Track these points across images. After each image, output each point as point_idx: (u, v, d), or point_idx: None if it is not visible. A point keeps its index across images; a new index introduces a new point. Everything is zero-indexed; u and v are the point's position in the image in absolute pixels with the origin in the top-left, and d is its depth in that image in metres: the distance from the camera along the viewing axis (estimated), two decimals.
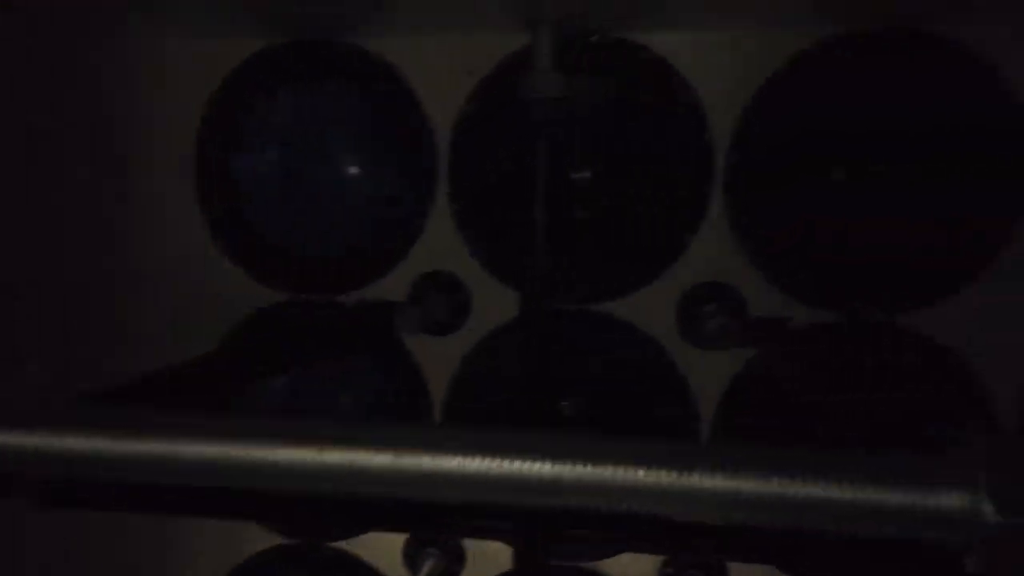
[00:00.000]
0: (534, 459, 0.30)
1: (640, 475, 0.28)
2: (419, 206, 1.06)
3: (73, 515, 0.97)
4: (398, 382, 1.10)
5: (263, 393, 1.06)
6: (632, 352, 1.04)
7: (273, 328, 1.10)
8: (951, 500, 0.25)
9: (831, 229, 0.97)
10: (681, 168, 1.00)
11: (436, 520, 0.84)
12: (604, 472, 0.29)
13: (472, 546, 1.09)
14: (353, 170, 1.08)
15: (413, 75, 1.05)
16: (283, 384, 1.08)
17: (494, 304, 1.06)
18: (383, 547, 1.11)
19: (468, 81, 1.04)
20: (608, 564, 1.08)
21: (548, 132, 0.77)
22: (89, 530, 1.04)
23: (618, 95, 1.00)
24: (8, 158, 0.90)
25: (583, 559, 1.07)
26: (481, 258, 1.06)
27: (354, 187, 1.08)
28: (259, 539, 1.14)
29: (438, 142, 1.05)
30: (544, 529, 0.74)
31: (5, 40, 0.87)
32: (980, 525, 0.26)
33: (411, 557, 1.09)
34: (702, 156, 0.99)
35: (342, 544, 1.12)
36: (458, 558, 1.09)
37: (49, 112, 0.95)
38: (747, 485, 0.28)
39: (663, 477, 0.28)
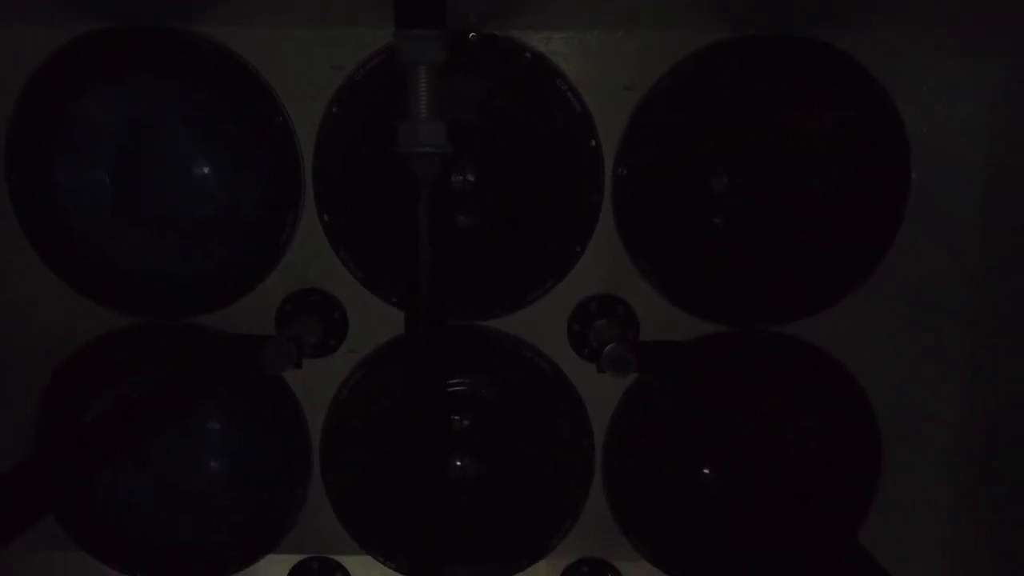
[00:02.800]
0: None
1: None
2: (281, 215, 0.95)
3: None
4: (271, 416, 1.00)
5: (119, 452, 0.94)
6: (523, 368, 0.99)
7: (120, 361, 0.97)
8: None
9: (717, 238, 0.96)
10: (569, 176, 0.95)
11: None
12: None
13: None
14: (199, 175, 0.94)
15: (269, 69, 0.93)
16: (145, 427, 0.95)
17: (371, 321, 0.98)
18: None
19: (334, 77, 0.93)
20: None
21: (430, 185, 0.70)
22: None
23: (501, 98, 0.93)
24: None
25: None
26: (356, 273, 0.97)
27: (201, 196, 0.94)
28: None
29: (300, 143, 0.94)
30: None
31: None
32: None
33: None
34: (591, 164, 0.94)
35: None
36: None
37: None
38: None
39: None
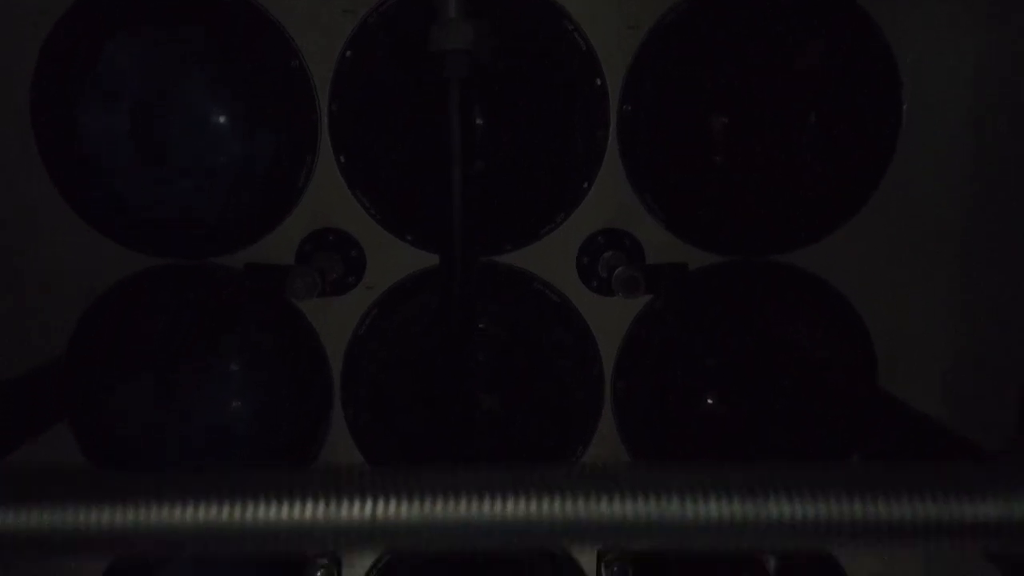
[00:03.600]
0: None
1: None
2: (299, 157, 0.98)
3: None
4: (294, 351, 1.04)
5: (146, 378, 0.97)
6: (533, 302, 1.03)
7: (146, 302, 1.00)
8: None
9: (717, 172, 1.00)
10: (575, 114, 0.98)
11: None
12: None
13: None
14: (217, 120, 0.97)
15: (285, 16, 0.96)
16: (171, 363, 0.99)
17: (389, 260, 1.02)
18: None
19: (346, 21, 0.96)
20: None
21: (462, 84, 0.73)
22: None
23: (507, 39, 0.96)
24: None
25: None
26: (373, 213, 1.01)
27: (220, 141, 0.97)
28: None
29: (315, 87, 0.97)
30: None
31: None
32: None
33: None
34: (596, 101, 0.97)
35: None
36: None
37: None
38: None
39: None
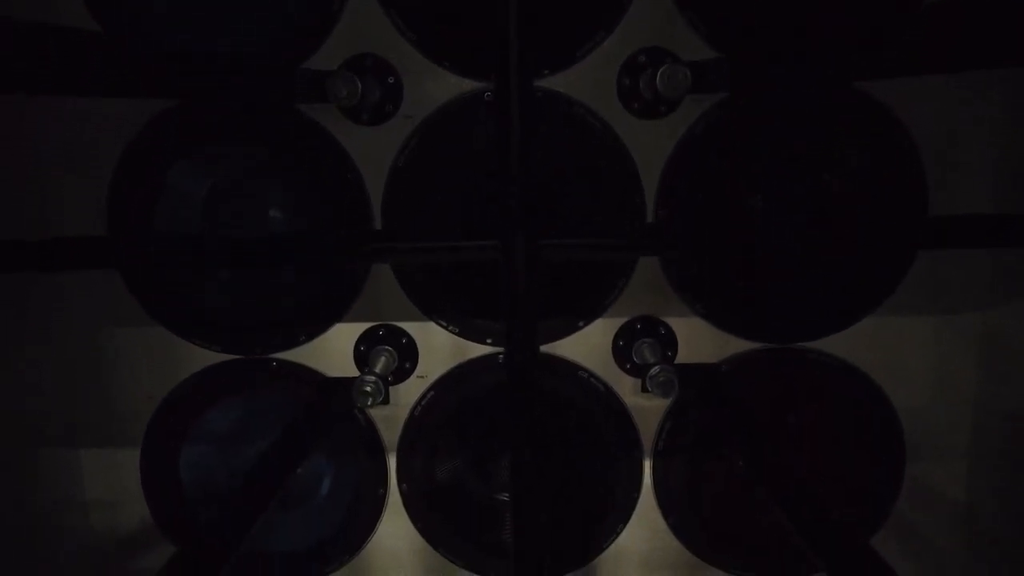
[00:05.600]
0: None
1: None
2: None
3: None
4: (334, 177, 1.03)
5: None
6: (574, 126, 1.01)
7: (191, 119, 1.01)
8: None
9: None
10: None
11: None
12: None
13: (422, 343, 1.11)
14: None
15: None
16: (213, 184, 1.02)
17: (426, 87, 1.01)
18: (331, 352, 1.10)
19: None
20: (561, 346, 1.09)
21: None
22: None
23: None
24: None
25: None
26: (411, 38, 0.98)
27: None
28: (200, 357, 1.09)
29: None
30: None
31: None
32: None
33: (362, 356, 1.10)
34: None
35: (287, 355, 1.09)
36: (410, 354, 1.11)
37: None
38: None
39: None
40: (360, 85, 0.93)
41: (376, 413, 1.11)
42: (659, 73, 0.89)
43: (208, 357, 1.08)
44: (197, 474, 1.09)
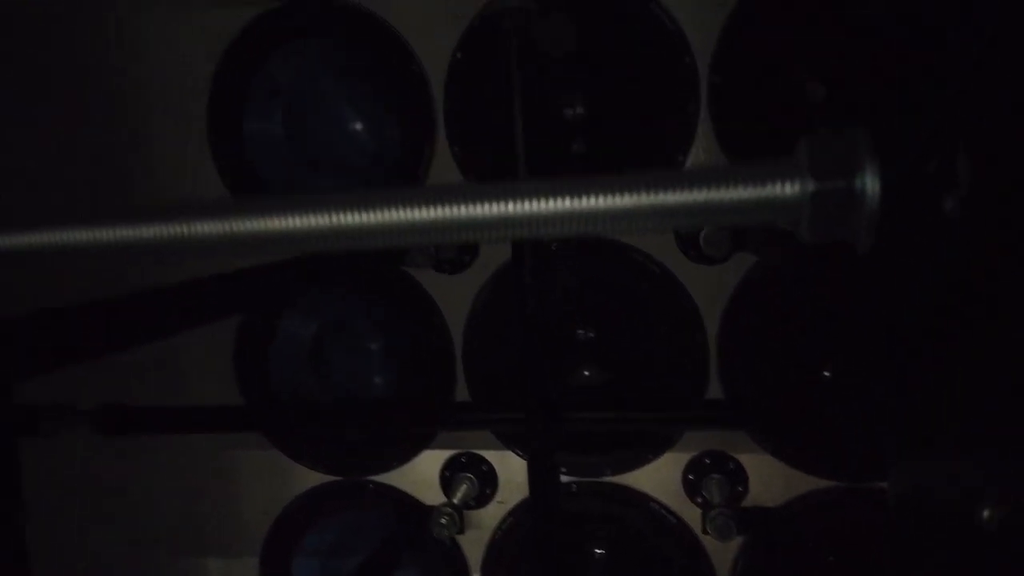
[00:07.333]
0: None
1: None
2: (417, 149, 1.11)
3: (131, 450, 1.08)
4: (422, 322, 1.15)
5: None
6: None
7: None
8: (785, 188, 0.33)
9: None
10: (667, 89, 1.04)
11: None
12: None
13: (502, 472, 1.17)
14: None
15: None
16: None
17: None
18: (420, 477, 1.19)
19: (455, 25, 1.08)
20: (633, 476, 1.14)
21: (518, 36, 0.81)
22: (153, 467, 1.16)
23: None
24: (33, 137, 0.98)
25: (605, 473, 1.14)
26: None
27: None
28: (307, 477, 1.22)
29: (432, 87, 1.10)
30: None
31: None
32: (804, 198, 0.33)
33: (447, 481, 1.18)
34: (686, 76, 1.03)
35: (382, 477, 1.20)
36: (490, 481, 1.18)
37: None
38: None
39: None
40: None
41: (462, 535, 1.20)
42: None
43: (314, 478, 1.23)
44: None
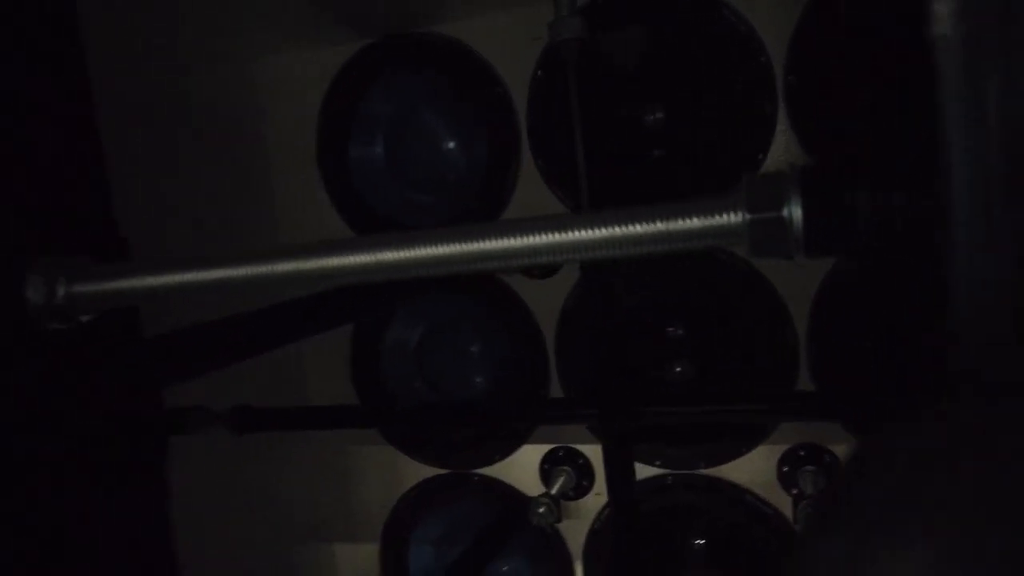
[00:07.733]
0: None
1: None
2: (506, 167, 1.18)
3: (261, 447, 1.17)
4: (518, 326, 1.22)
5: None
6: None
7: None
8: (729, 217, 0.41)
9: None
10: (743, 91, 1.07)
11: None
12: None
13: (599, 465, 1.21)
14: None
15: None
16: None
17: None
18: (521, 469, 1.26)
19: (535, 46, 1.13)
20: (727, 469, 1.16)
21: (575, 67, 0.85)
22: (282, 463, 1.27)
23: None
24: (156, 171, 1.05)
25: (699, 465, 1.17)
26: (567, 203, 1.16)
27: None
28: (419, 471, 1.33)
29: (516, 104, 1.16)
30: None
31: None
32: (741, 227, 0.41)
33: (546, 474, 1.24)
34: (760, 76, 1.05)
35: (486, 470, 1.28)
36: (587, 473, 1.24)
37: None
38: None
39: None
40: None
41: (562, 524, 1.26)
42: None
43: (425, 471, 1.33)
44: (422, 569, 1.33)
